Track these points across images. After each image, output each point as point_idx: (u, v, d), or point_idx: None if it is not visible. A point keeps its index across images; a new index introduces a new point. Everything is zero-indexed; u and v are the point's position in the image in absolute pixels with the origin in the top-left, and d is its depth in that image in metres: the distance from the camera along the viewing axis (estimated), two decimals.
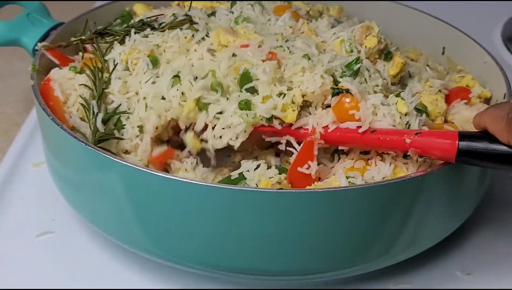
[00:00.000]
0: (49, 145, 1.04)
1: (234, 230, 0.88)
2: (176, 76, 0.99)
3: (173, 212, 0.89)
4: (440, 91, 1.11)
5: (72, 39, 1.15)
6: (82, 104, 1.01)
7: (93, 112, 1.00)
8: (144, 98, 1.00)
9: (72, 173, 1.00)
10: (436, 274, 1.03)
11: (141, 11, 1.26)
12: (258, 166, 0.96)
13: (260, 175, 0.95)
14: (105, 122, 1.00)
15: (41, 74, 1.08)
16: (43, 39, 1.18)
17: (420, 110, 0.99)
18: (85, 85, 1.03)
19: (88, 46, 1.20)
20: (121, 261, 1.03)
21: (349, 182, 0.93)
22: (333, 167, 0.99)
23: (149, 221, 0.92)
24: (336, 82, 0.98)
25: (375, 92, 0.99)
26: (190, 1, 1.24)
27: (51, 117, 0.96)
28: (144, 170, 0.88)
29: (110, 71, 1.06)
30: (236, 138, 0.95)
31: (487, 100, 1.15)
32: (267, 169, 0.96)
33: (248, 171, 0.96)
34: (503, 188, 1.20)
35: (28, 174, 1.18)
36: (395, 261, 0.98)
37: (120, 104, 1.02)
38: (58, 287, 0.98)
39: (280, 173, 0.96)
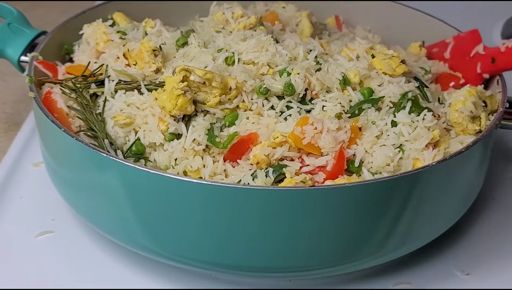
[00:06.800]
0: (47, 146, 1.04)
1: (231, 227, 0.89)
2: None
3: (172, 210, 0.89)
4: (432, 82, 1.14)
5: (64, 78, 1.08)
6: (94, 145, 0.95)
7: (108, 152, 0.96)
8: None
9: (70, 173, 1.00)
10: (436, 274, 1.03)
11: (122, 21, 1.22)
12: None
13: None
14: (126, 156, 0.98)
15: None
16: (29, 49, 1.13)
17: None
18: (86, 134, 1.00)
19: (73, 56, 1.17)
20: (121, 261, 1.03)
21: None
22: None
23: (148, 219, 0.92)
24: None
25: None
26: None
27: (50, 119, 0.95)
28: (143, 169, 0.88)
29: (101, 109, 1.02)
30: None
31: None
32: None
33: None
34: (502, 188, 1.20)
35: (28, 174, 1.19)
36: (393, 257, 0.98)
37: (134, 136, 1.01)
38: (58, 287, 0.98)
39: None
